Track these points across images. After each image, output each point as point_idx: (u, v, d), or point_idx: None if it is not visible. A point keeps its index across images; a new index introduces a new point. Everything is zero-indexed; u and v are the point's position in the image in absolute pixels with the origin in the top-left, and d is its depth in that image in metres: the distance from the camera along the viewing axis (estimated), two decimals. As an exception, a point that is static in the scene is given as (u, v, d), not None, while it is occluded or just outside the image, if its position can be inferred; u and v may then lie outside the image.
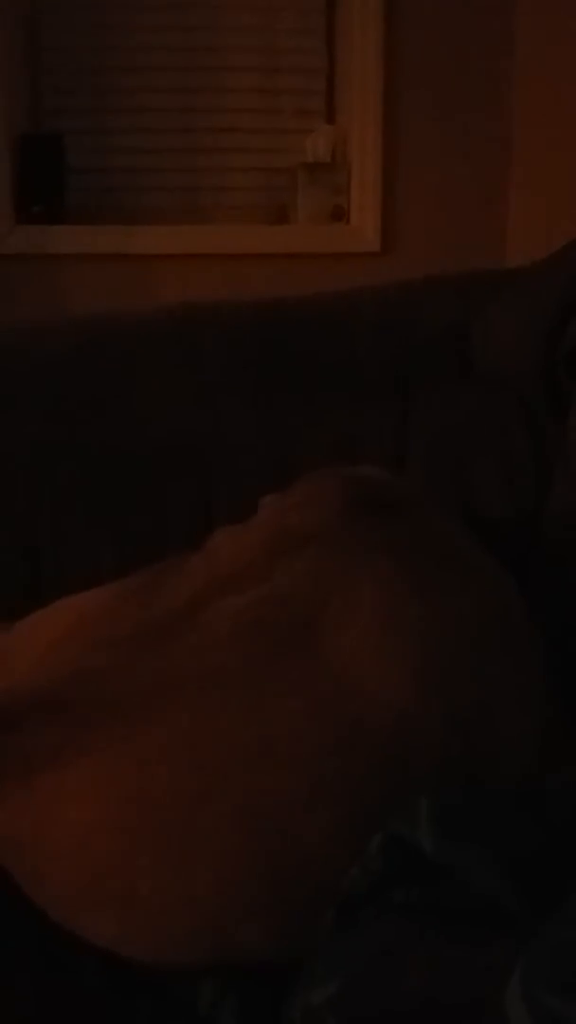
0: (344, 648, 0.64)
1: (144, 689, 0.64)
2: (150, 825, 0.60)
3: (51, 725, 0.65)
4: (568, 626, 0.83)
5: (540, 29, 1.98)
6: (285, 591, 0.67)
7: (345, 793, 0.59)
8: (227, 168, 2.20)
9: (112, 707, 0.64)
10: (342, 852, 0.57)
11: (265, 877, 0.58)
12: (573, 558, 0.96)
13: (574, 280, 1.03)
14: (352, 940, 0.51)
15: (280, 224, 2.18)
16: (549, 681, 0.71)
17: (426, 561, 0.72)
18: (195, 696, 0.63)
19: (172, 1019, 0.59)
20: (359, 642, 0.64)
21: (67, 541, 1.06)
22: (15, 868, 0.64)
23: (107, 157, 2.17)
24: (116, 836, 0.60)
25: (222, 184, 2.21)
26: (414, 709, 0.62)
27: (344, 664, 0.63)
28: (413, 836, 0.53)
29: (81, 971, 0.62)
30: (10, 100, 2.05)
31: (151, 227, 2.09)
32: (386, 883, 0.53)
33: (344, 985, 0.47)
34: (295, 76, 2.20)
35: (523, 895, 0.48)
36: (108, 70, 2.14)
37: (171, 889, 0.59)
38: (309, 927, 0.55)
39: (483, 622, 0.69)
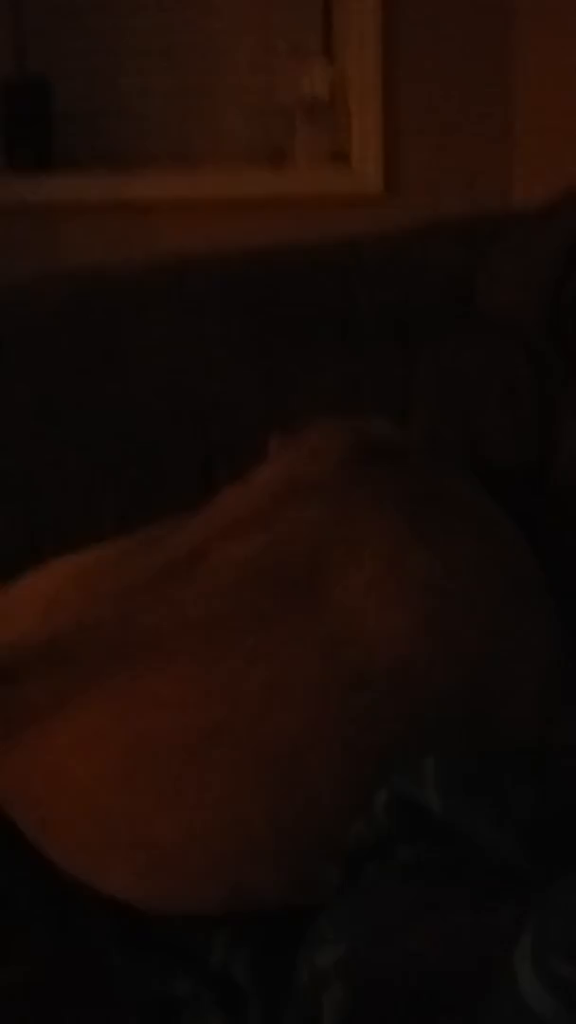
0: (348, 595, 0.64)
1: (147, 638, 0.65)
2: (155, 771, 0.61)
3: (54, 677, 0.65)
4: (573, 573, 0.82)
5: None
6: (289, 539, 0.68)
7: (349, 737, 0.59)
8: (220, 109, 2.14)
9: (115, 656, 0.64)
10: (347, 796, 0.58)
11: (271, 820, 0.59)
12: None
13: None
14: (359, 900, 0.51)
15: (278, 167, 2.12)
16: (556, 626, 0.71)
17: (430, 509, 0.72)
18: (198, 643, 0.64)
19: (184, 970, 0.60)
20: (363, 589, 0.65)
21: (66, 497, 1.05)
22: (24, 820, 0.65)
23: (95, 100, 2.11)
24: (122, 783, 0.61)
25: (216, 126, 2.15)
26: (418, 654, 0.62)
27: (348, 611, 0.63)
28: (420, 795, 0.52)
29: (92, 924, 0.63)
30: (-6, 43, 1.99)
31: (144, 173, 2.03)
32: (393, 840, 0.53)
33: (351, 948, 0.47)
34: (290, 10, 2.12)
35: (532, 856, 0.48)
36: (94, 9, 2.07)
37: (178, 832, 0.60)
38: (315, 872, 0.56)
39: (487, 568, 0.70)
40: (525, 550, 0.75)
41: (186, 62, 2.12)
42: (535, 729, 0.64)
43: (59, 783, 0.63)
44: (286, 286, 1.12)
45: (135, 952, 0.62)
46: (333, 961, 0.46)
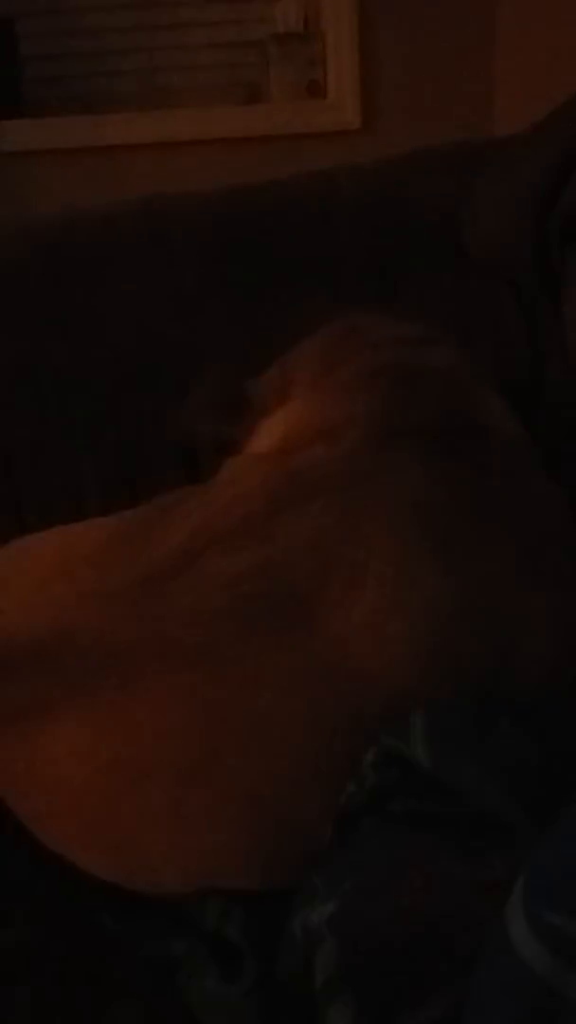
0: (347, 627, 0.60)
1: (133, 652, 0.62)
2: (138, 793, 0.59)
3: (41, 678, 0.63)
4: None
5: None
6: (285, 560, 0.63)
7: (344, 779, 0.56)
8: (191, 45, 2.07)
9: (100, 668, 0.62)
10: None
11: (261, 846, 0.58)
12: (571, 439, 0.93)
13: (561, 147, 0.96)
14: (351, 857, 0.50)
15: (251, 104, 2.06)
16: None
17: (446, 508, 0.65)
18: (186, 667, 0.61)
19: (177, 935, 0.59)
20: (363, 620, 0.60)
21: (44, 459, 1.03)
22: (14, 807, 0.64)
23: (61, 42, 2.03)
24: (109, 794, 0.60)
25: (186, 63, 2.07)
26: (420, 687, 0.59)
27: (346, 646, 0.59)
28: (408, 750, 0.51)
29: (85, 892, 0.62)
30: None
31: (114, 116, 1.97)
32: (383, 796, 0.52)
33: (343, 903, 0.46)
34: None
35: (521, 807, 0.47)
36: None
37: (163, 848, 0.59)
38: (300, 880, 0.54)
39: (506, 574, 0.64)
40: (564, 521, 0.69)
41: (153, -3, 2.04)
42: None
43: (46, 780, 0.62)
44: (265, 224, 1.08)
45: (128, 916, 0.62)
46: (325, 917, 0.46)
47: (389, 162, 1.15)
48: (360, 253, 1.08)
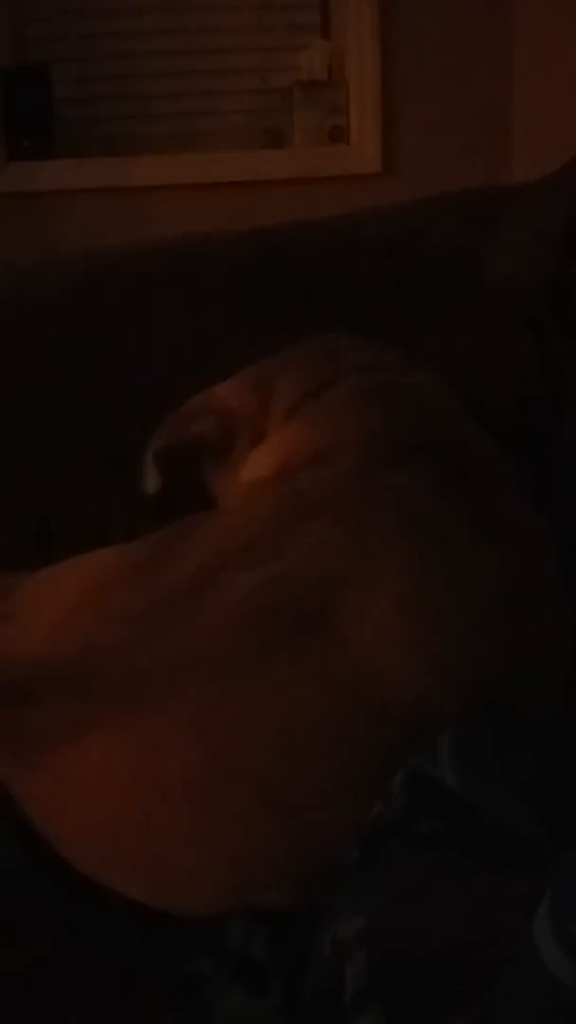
0: (362, 635, 0.61)
1: (155, 670, 0.63)
2: (167, 809, 0.60)
3: (66, 702, 0.65)
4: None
5: None
6: (297, 573, 0.65)
7: (367, 783, 0.57)
8: (218, 91, 2.13)
9: (123, 688, 0.63)
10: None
11: (288, 855, 0.59)
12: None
13: (583, 193, 0.99)
14: (379, 873, 0.51)
15: (276, 148, 2.11)
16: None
17: (449, 523, 0.68)
18: (206, 681, 0.62)
19: (203, 953, 0.60)
20: (377, 629, 0.61)
21: (74, 489, 1.05)
22: (42, 829, 0.65)
23: (94, 86, 2.10)
24: (136, 813, 0.61)
25: (214, 108, 2.13)
26: (435, 691, 0.60)
27: (362, 651, 0.61)
28: (436, 771, 0.52)
29: (111, 910, 0.63)
30: (-8, 30, 1.98)
31: (144, 158, 2.03)
32: (410, 817, 0.53)
33: (373, 918, 0.47)
34: (286, -11, 2.11)
35: (548, 827, 0.48)
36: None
37: (193, 862, 0.60)
38: (327, 893, 0.55)
39: (511, 588, 0.66)
40: (549, 552, 0.72)
41: (183, 45, 2.11)
42: None
43: (73, 803, 0.63)
44: (288, 265, 1.11)
45: (154, 935, 0.62)
46: (354, 931, 0.47)
47: (410, 207, 1.18)
48: (382, 294, 1.10)
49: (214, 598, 0.65)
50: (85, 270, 1.14)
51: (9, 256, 1.78)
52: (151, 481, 0.85)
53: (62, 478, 1.06)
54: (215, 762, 0.60)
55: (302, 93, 2.05)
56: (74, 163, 2.02)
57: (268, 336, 1.07)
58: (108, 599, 0.69)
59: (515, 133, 2.05)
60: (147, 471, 0.85)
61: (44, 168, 2.00)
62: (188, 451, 0.89)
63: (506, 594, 0.66)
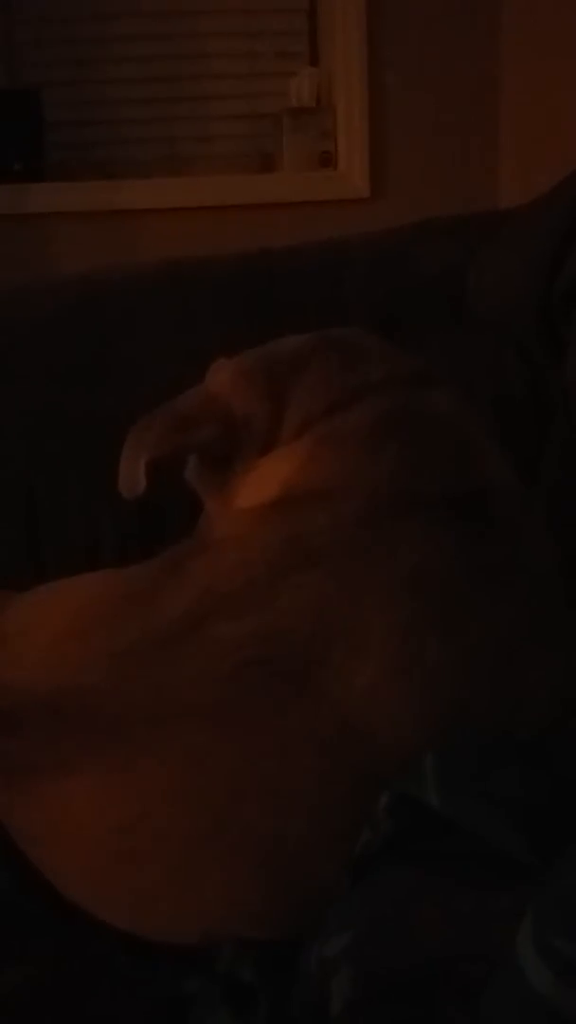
0: (349, 697, 0.60)
1: (142, 714, 0.63)
2: (154, 850, 0.60)
3: (53, 736, 0.64)
4: (568, 571, 0.82)
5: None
6: (286, 627, 0.63)
7: (354, 836, 0.56)
8: (208, 116, 2.15)
9: (111, 729, 0.63)
10: None
11: (272, 898, 0.59)
12: (573, 498, 0.95)
13: (567, 217, 1.01)
14: (364, 892, 0.52)
15: (265, 172, 2.13)
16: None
17: (453, 576, 0.65)
18: (193, 732, 0.61)
19: (190, 975, 0.60)
20: (367, 690, 0.60)
21: (65, 510, 1.05)
22: (29, 853, 0.65)
23: (84, 110, 2.12)
24: (123, 853, 0.61)
25: (204, 133, 2.16)
26: (431, 747, 0.59)
27: (350, 713, 0.60)
28: (420, 792, 0.53)
29: (98, 931, 0.63)
30: (-17, 55, 1.99)
31: (133, 182, 2.05)
32: (396, 838, 0.54)
33: (358, 936, 0.48)
34: (276, 16, 2.14)
35: (532, 844, 0.49)
36: (81, 19, 2.08)
37: (179, 902, 0.60)
38: (317, 920, 0.55)
39: (511, 640, 0.65)
40: (558, 598, 0.69)
41: (173, 70, 2.13)
42: None
43: (58, 838, 0.63)
44: (278, 288, 1.13)
45: (140, 956, 0.62)
46: (340, 948, 0.47)
47: (398, 231, 1.20)
48: (370, 317, 1.11)
49: (200, 646, 0.64)
50: (76, 292, 1.15)
51: (0, 278, 1.79)
52: (138, 488, 0.76)
53: (53, 495, 1.06)
54: (201, 809, 0.60)
55: (291, 119, 2.08)
56: (65, 186, 2.03)
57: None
58: (96, 633, 0.69)
59: (502, 158, 2.08)
60: (134, 477, 0.76)
61: (34, 191, 2.02)
62: (181, 457, 0.82)
63: (505, 648, 0.64)
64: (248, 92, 2.16)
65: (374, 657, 0.61)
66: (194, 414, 0.79)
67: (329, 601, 0.64)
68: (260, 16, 2.13)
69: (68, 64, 2.10)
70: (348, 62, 2.04)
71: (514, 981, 0.39)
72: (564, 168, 1.08)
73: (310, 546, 0.66)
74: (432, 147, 2.07)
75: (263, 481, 0.76)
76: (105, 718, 0.64)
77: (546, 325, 1.03)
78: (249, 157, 2.16)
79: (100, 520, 1.05)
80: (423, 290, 1.11)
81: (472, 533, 0.68)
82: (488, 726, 0.61)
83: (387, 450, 0.71)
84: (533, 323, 1.04)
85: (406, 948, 0.45)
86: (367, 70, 2.04)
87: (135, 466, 0.76)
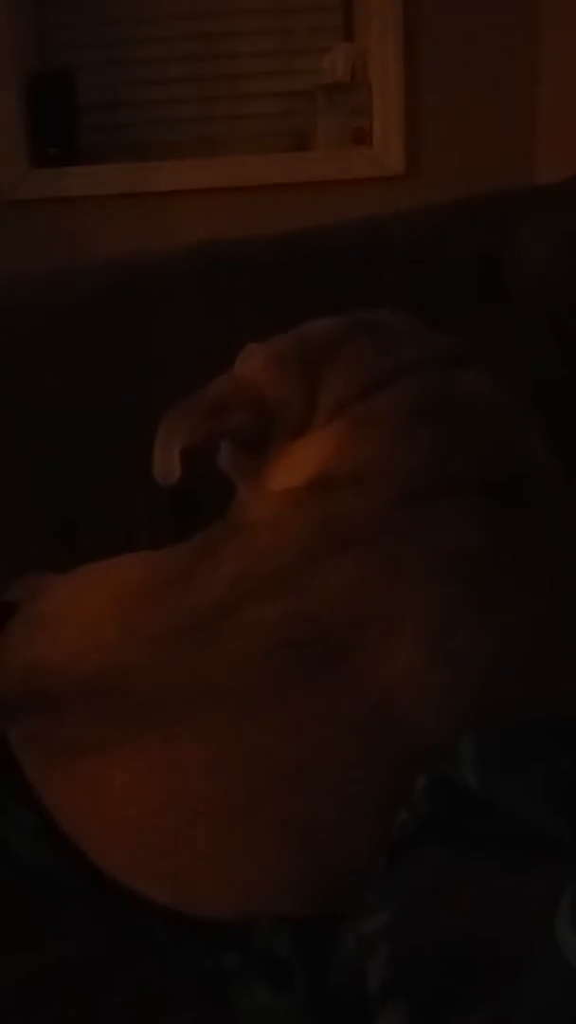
0: (385, 678, 0.61)
1: (179, 695, 0.64)
2: (190, 832, 0.61)
3: (93, 716, 0.65)
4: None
5: None
6: (320, 611, 0.63)
7: (391, 813, 0.56)
8: (242, 95, 2.14)
9: (148, 710, 0.64)
10: None
11: (307, 878, 0.59)
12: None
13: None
14: (402, 871, 0.52)
15: (300, 151, 2.12)
16: None
17: (489, 559, 0.65)
18: (229, 712, 0.62)
19: (229, 952, 0.61)
20: (401, 675, 0.60)
21: (100, 489, 1.06)
22: (70, 831, 0.66)
23: (117, 91, 2.12)
24: (161, 831, 0.62)
25: (237, 112, 2.15)
26: (466, 730, 0.58)
27: (384, 697, 0.60)
28: (458, 774, 0.53)
29: (138, 911, 0.64)
30: (17, 38, 2.00)
31: (167, 163, 2.05)
32: (433, 820, 0.54)
33: (395, 914, 0.48)
34: (310, -7, 2.12)
35: (572, 824, 0.49)
36: (113, 1, 2.08)
37: (216, 879, 0.61)
38: (351, 900, 0.55)
39: (549, 625, 0.64)
40: None
41: (206, 49, 2.12)
42: None
43: (97, 817, 0.64)
44: (313, 269, 1.12)
45: (179, 931, 0.64)
46: (378, 926, 0.47)
47: (435, 209, 1.18)
48: (407, 297, 1.10)
49: (236, 628, 0.64)
50: (111, 275, 1.16)
51: (34, 261, 1.80)
52: (173, 476, 0.77)
53: (88, 478, 1.07)
54: (237, 790, 0.60)
55: (325, 96, 2.06)
56: (98, 169, 2.04)
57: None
58: (132, 616, 0.69)
59: (539, 134, 2.04)
60: (170, 465, 0.77)
61: (68, 174, 2.02)
62: (215, 444, 0.83)
63: (543, 634, 0.64)
64: (281, 69, 2.14)
65: (409, 641, 0.61)
66: (226, 401, 0.79)
67: (363, 584, 0.64)
68: (293, -8, 2.11)
69: (101, 46, 2.10)
70: (384, 37, 2.02)
71: (552, 961, 0.39)
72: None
73: (344, 529, 0.66)
74: (468, 123, 2.05)
75: (296, 465, 0.76)
76: (143, 699, 0.65)
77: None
78: (283, 136, 2.15)
79: (134, 503, 1.06)
80: (460, 270, 1.10)
81: (508, 516, 0.67)
82: (521, 710, 0.61)
83: (420, 433, 0.71)
84: (571, 301, 1.03)
85: (444, 927, 0.45)
86: (403, 45, 2.01)
87: (170, 454, 0.76)
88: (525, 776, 0.51)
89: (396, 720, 0.60)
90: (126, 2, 2.08)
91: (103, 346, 1.10)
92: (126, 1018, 0.62)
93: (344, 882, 0.58)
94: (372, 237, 1.16)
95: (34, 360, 1.09)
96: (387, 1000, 0.43)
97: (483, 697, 0.61)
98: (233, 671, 0.64)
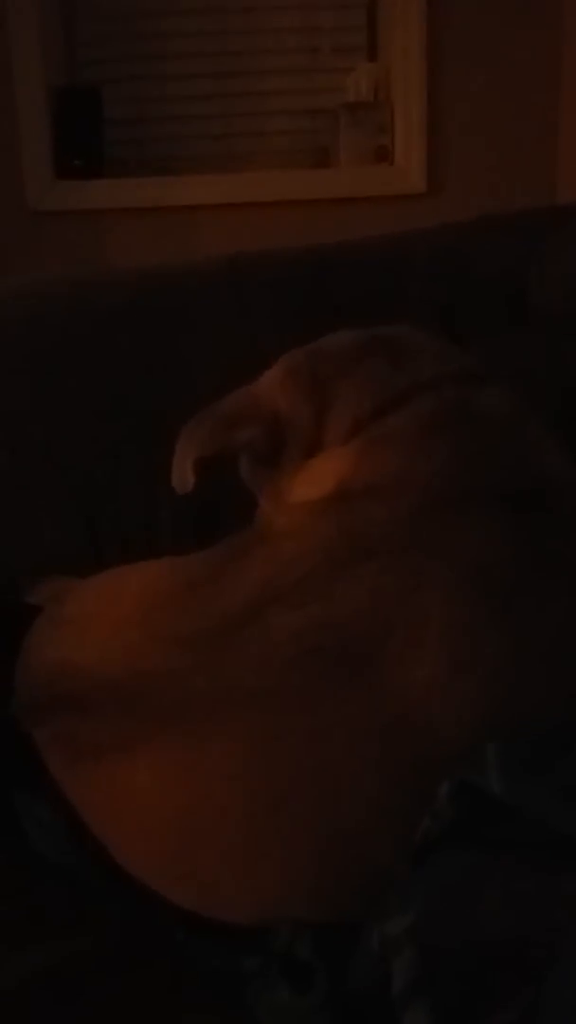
0: (409, 690, 0.61)
1: (204, 699, 0.64)
2: (215, 832, 0.62)
3: (119, 718, 0.66)
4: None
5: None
6: (344, 619, 0.64)
7: (415, 818, 0.57)
8: (266, 112, 2.16)
9: (174, 713, 0.65)
10: None
11: (332, 886, 0.60)
12: None
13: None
14: (428, 874, 0.52)
15: (322, 168, 2.14)
16: None
17: (512, 570, 0.65)
18: (254, 716, 0.63)
19: (250, 955, 0.62)
20: (425, 685, 0.61)
21: (124, 496, 1.07)
22: (95, 831, 0.67)
23: (143, 107, 2.14)
24: (184, 833, 0.62)
25: (261, 129, 2.17)
26: (492, 738, 0.59)
27: (409, 706, 0.61)
28: (482, 780, 0.53)
29: (160, 911, 0.65)
30: (46, 53, 2.03)
31: (191, 177, 2.06)
32: (458, 828, 0.54)
33: (421, 915, 0.48)
34: (335, 11, 2.14)
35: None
36: (140, 16, 2.11)
37: (238, 882, 0.62)
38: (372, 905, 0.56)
39: (569, 638, 0.65)
40: None
41: (231, 66, 2.15)
42: None
43: (122, 817, 0.65)
44: (337, 286, 1.13)
45: (200, 932, 0.64)
46: (403, 928, 0.48)
47: (457, 227, 1.19)
48: (428, 313, 1.11)
49: (261, 634, 0.65)
50: (135, 287, 1.17)
51: (57, 271, 1.82)
52: (188, 485, 0.79)
53: (112, 485, 1.08)
54: (260, 793, 0.61)
55: (348, 113, 2.08)
56: (123, 182, 2.06)
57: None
58: (158, 620, 0.70)
59: (561, 153, 2.05)
60: (185, 475, 0.79)
61: (93, 187, 2.04)
62: (228, 456, 0.84)
63: (565, 641, 0.64)
64: (305, 88, 2.16)
65: (432, 650, 0.62)
66: (239, 414, 0.81)
67: (386, 593, 0.64)
68: (318, 11, 2.13)
69: (127, 62, 2.13)
70: (407, 56, 2.04)
71: (578, 964, 0.39)
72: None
73: (366, 539, 0.67)
74: (490, 142, 2.06)
75: (316, 479, 0.77)
76: (168, 702, 0.66)
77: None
78: (306, 152, 2.17)
79: (158, 509, 1.07)
80: (484, 286, 1.11)
81: (529, 528, 0.68)
82: (544, 717, 0.62)
83: (438, 446, 0.72)
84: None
85: (470, 929, 0.46)
86: (425, 64, 2.03)
87: (185, 464, 0.79)
88: (550, 780, 0.52)
89: (419, 727, 0.60)
90: (153, 20, 2.11)
91: (127, 356, 1.12)
92: (143, 1017, 0.63)
93: (366, 888, 0.58)
94: (396, 253, 1.17)
95: (64, 365, 1.10)
96: (412, 1000, 0.44)
97: (506, 705, 0.61)
98: (258, 676, 0.64)
